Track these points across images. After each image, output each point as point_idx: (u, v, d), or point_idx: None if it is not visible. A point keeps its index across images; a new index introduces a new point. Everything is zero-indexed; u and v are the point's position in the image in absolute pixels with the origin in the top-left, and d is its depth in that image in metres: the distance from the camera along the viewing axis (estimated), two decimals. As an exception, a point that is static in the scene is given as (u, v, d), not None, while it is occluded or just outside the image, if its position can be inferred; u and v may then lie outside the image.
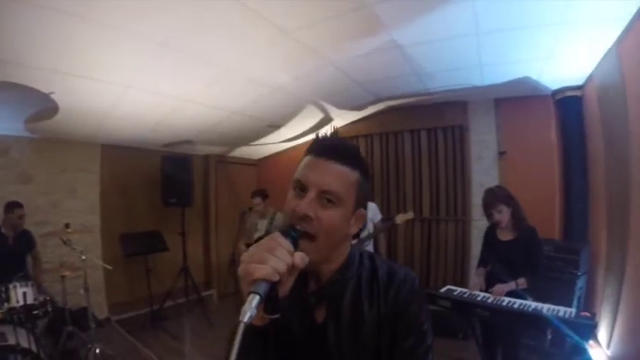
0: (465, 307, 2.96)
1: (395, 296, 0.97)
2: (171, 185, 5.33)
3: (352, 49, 3.54)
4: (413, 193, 5.73)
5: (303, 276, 0.88)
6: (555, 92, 4.46)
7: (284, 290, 0.76)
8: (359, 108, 5.52)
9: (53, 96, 3.26)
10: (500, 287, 2.86)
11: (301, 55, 3.50)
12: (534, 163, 4.77)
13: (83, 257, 3.61)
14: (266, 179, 7.27)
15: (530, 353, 3.23)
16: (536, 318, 2.64)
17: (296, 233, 0.84)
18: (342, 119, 6.00)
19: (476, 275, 3.30)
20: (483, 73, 4.14)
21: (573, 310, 2.67)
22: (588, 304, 3.83)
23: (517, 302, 2.78)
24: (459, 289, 3.19)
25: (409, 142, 5.81)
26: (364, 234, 4.01)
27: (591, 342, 3.18)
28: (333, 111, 5.45)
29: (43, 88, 3.15)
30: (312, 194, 0.89)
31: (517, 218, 3.01)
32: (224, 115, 4.74)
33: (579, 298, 3.74)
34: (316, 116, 5.56)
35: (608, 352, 3.29)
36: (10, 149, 4.35)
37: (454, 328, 4.30)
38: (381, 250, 4.69)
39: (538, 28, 3.07)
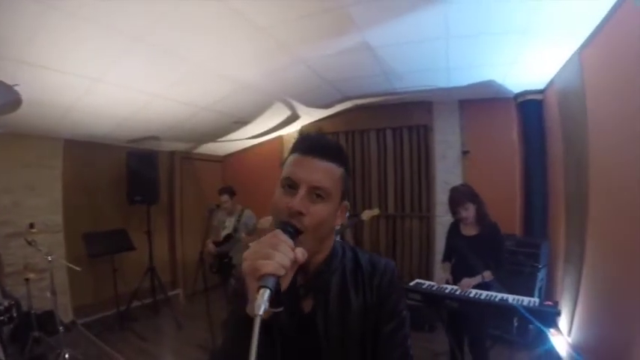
0: (435, 299, 3.10)
1: (378, 285, 1.04)
2: (137, 182, 5.17)
3: (324, 49, 3.56)
4: (378, 190, 5.87)
5: None
6: (517, 95, 4.68)
7: (285, 284, 0.79)
8: (326, 106, 5.56)
9: (18, 88, 3.07)
10: (467, 281, 3.01)
11: (273, 53, 3.49)
12: (496, 163, 4.99)
13: (49, 258, 3.43)
14: (231, 176, 7.20)
15: (495, 342, 3.39)
16: (503, 307, 2.81)
17: (293, 229, 0.88)
18: (308, 116, 6.03)
19: (442, 270, 3.46)
20: (450, 75, 4.28)
21: (537, 300, 2.86)
22: (549, 294, 4.08)
23: (484, 293, 2.95)
24: (427, 283, 3.34)
25: (375, 141, 5.93)
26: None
27: (552, 330, 3.38)
28: (301, 108, 5.46)
29: (8, 79, 2.96)
30: (302, 191, 0.92)
31: (481, 215, 3.17)
32: (192, 111, 4.64)
33: (540, 289, 3.98)
34: (283, 113, 5.56)
35: (569, 339, 3.51)
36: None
37: (421, 321, 4.47)
38: (348, 246, 4.76)
39: (505, 35, 3.20)
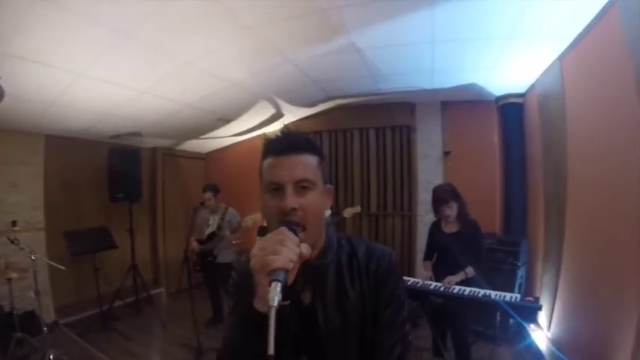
0: (419, 295, 3.17)
1: (375, 271, 1.07)
2: (119, 179, 5.09)
3: (312, 49, 3.59)
4: (361, 189, 5.94)
5: None
6: (499, 98, 4.82)
7: (290, 279, 0.82)
8: (310, 105, 5.59)
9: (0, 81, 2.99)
10: (450, 278, 3.10)
11: (261, 52, 3.49)
12: (477, 163, 5.12)
13: (33, 257, 3.34)
14: (214, 173, 7.16)
15: (477, 338, 3.50)
16: (485, 303, 2.91)
17: (294, 227, 0.92)
18: (292, 115, 6.04)
19: (424, 268, 3.53)
20: (433, 77, 4.36)
21: (518, 296, 2.96)
22: (528, 291, 4.22)
23: (467, 289, 3.04)
24: (412, 279, 3.42)
25: (358, 140, 5.99)
26: None
27: (532, 325, 3.52)
28: (285, 107, 5.47)
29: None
30: (289, 188, 0.97)
31: (462, 213, 3.28)
32: (176, 108, 4.58)
33: (520, 285, 4.12)
34: (268, 112, 5.55)
35: (549, 334, 3.66)
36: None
37: (404, 317, 4.53)
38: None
39: (489, 40, 3.30)
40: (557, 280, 3.53)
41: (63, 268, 3.58)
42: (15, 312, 3.43)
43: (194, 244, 4.55)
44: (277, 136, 1.07)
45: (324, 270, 1.07)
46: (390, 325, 1.05)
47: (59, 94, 3.63)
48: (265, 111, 5.49)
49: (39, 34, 2.66)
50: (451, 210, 3.23)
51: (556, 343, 3.47)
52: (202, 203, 4.66)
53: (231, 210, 4.75)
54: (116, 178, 5.08)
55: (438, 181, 5.36)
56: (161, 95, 4.13)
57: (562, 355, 3.22)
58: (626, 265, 2.45)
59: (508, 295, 2.92)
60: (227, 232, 4.50)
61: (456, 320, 3.17)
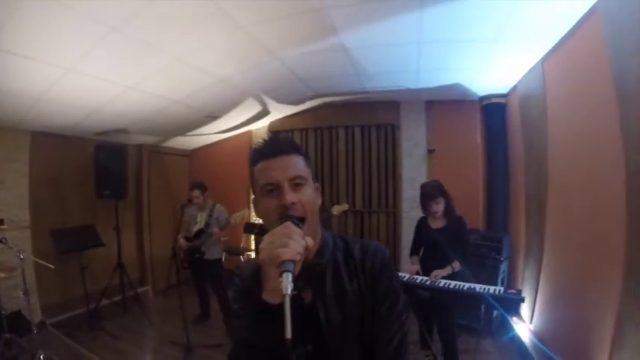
0: (407, 289, 3.24)
1: (370, 267, 1.12)
2: (105, 176, 5.02)
3: (300, 48, 3.62)
4: (346, 186, 6.02)
5: None
6: (482, 98, 4.96)
7: (296, 271, 0.86)
8: (296, 102, 5.62)
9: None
10: (437, 272, 3.19)
11: (250, 49, 3.51)
12: (461, 161, 5.26)
13: (21, 256, 3.29)
14: (198, 170, 7.13)
15: (462, 331, 3.62)
16: (470, 295, 3.02)
17: (297, 219, 0.98)
18: (278, 112, 6.08)
19: (411, 263, 3.62)
20: (419, 77, 4.44)
21: (502, 288, 3.08)
22: (511, 285, 4.38)
23: (452, 283, 3.14)
24: (400, 274, 3.47)
25: (343, 138, 6.07)
26: None
27: (515, 318, 3.65)
28: (272, 104, 5.50)
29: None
30: (285, 186, 1.03)
31: (448, 209, 3.38)
32: (164, 104, 4.56)
33: (503, 280, 4.27)
34: (254, 109, 5.57)
35: (531, 327, 3.80)
36: None
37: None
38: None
39: (475, 43, 3.40)
40: (539, 275, 3.68)
41: (52, 266, 3.52)
42: (3, 312, 3.36)
43: (182, 241, 4.54)
44: (264, 141, 1.14)
45: (323, 268, 1.11)
46: (387, 318, 1.09)
47: (46, 89, 3.57)
48: (252, 108, 5.51)
49: (28, 28, 2.62)
50: (438, 206, 3.32)
51: (538, 335, 3.61)
52: (190, 200, 4.65)
53: (218, 207, 4.75)
54: (102, 175, 5.01)
55: (422, 178, 5.47)
56: (149, 91, 4.10)
57: (543, 347, 3.34)
58: (605, 259, 2.58)
59: (492, 288, 3.04)
60: (215, 229, 4.49)
61: (442, 313, 3.27)
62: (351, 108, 5.80)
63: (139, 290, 5.54)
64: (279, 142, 1.11)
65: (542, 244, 3.65)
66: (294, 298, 0.79)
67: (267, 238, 0.90)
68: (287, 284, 0.79)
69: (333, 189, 6.08)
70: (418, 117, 5.58)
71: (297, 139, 6.35)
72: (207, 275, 4.67)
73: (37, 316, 4.40)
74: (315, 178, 1.16)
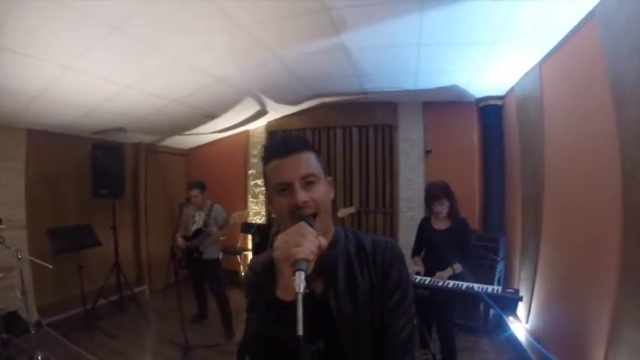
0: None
1: (382, 261, 1.15)
2: (103, 175, 4.99)
3: (301, 48, 3.63)
4: (344, 186, 6.04)
5: None
6: (479, 100, 5.00)
7: (309, 270, 0.89)
8: (295, 103, 5.63)
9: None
10: (439, 274, 3.21)
11: (250, 49, 3.51)
12: (457, 162, 5.30)
13: (19, 256, 3.27)
14: (195, 170, 7.11)
15: (459, 330, 3.65)
16: (469, 295, 3.05)
17: (310, 220, 1.00)
18: (276, 112, 6.09)
19: (414, 263, 3.63)
20: (417, 78, 4.47)
21: (499, 288, 3.11)
22: (507, 285, 4.41)
23: (451, 282, 3.17)
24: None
25: (341, 138, 6.09)
26: None
27: (511, 318, 3.69)
28: (270, 104, 5.50)
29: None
30: (297, 185, 1.05)
31: (453, 210, 3.39)
32: (162, 103, 4.55)
33: (499, 279, 4.32)
34: (252, 108, 5.57)
35: (527, 326, 3.85)
36: None
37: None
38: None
39: (473, 45, 3.44)
40: (535, 275, 3.73)
41: (50, 266, 3.49)
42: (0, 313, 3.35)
43: (180, 241, 4.54)
44: (275, 141, 1.18)
45: (335, 260, 1.13)
46: (396, 310, 1.11)
47: (44, 87, 3.56)
48: (250, 108, 5.51)
49: (27, 26, 2.61)
50: (442, 207, 3.34)
51: (534, 334, 3.66)
52: (188, 199, 4.64)
53: (216, 206, 4.74)
54: (100, 174, 4.98)
55: (419, 179, 5.53)
56: (148, 90, 4.09)
57: (539, 346, 3.39)
58: (601, 259, 2.62)
59: (490, 288, 3.07)
60: (214, 229, 4.49)
61: (441, 312, 3.30)
62: (349, 108, 5.83)
63: (136, 290, 5.53)
64: (289, 141, 1.13)
65: (538, 244, 3.69)
66: (306, 295, 0.81)
67: (281, 238, 0.93)
68: (300, 282, 0.82)
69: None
70: (415, 118, 5.62)
71: (295, 139, 6.38)
72: (205, 275, 4.68)
73: (33, 317, 4.32)
74: (328, 172, 1.18)
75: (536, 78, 3.66)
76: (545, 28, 3.00)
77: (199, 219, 4.69)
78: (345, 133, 6.05)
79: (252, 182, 6.75)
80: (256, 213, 6.67)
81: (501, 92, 4.74)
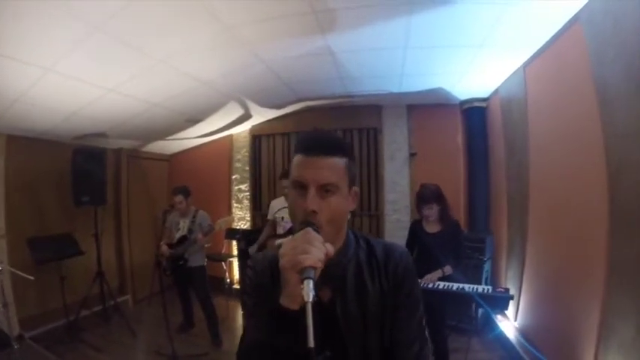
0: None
1: (394, 271, 1.10)
2: (84, 182, 4.82)
3: (287, 51, 3.61)
4: (329, 190, 5.98)
5: None
6: (463, 102, 5.07)
7: (316, 277, 0.85)
8: (279, 106, 5.61)
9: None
10: (427, 277, 3.22)
11: (236, 52, 3.47)
12: (442, 164, 5.37)
13: (0, 267, 3.14)
14: (178, 175, 6.94)
15: (452, 331, 3.66)
16: (460, 295, 3.08)
17: (316, 227, 0.95)
18: (260, 116, 6.05)
19: None
20: (402, 81, 4.50)
21: (490, 287, 3.15)
22: (494, 284, 4.47)
23: (442, 284, 3.20)
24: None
25: (326, 142, 6.03)
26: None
27: (499, 316, 3.73)
28: (254, 108, 5.46)
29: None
30: (312, 190, 0.98)
31: (443, 214, 3.41)
32: (144, 107, 4.43)
33: (487, 279, 4.37)
34: (236, 112, 5.52)
35: (516, 324, 3.91)
36: None
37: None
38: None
39: (460, 48, 3.48)
40: (522, 273, 3.79)
41: (31, 278, 3.36)
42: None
43: (164, 248, 4.43)
44: (309, 134, 1.10)
45: (344, 267, 1.09)
46: (407, 323, 1.08)
47: (24, 90, 3.41)
48: (234, 112, 5.45)
49: (6, 26, 2.49)
50: (431, 211, 3.35)
51: (523, 331, 3.72)
52: (172, 206, 4.55)
53: (201, 213, 4.65)
54: (81, 180, 4.81)
55: (405, 181, 5.57)
56: (130, 94, 3.98)
57: (527, 345, 3.43)
58: (588, 256, 2.69)
59: (480, 287, 3.12)
60: (199, 235, 4.40)
61: (432, 314, 3.31)
62: (334, 112, 5.83)
63: (119, 299, 5.37)
64: (322, 140, 1.05)
65: (524, 243, 3.76)
66: (313, 303, 0.79)
67: (288, 244, 0.89)
68: (309, 291, 0.79)
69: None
70: (400, 121, 5.67)
71: (279, 143, 6.38)
72: (190, 282, 4.57)
73: (15, 330, 4.12)
74: (353, 182, 1.09)
75: (520, 80, 3.74)
76: (530, 31, 3.07)
77: (184, 226, 4.59)
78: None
79: (236, 187, 6.67)
80: (240, 218, 6.59)
81: (485, 94, 4.83)
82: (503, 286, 3.77)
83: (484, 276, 4.27)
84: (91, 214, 5.00)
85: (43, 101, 3.73)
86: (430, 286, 3.17)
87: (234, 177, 6.70)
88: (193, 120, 5.37)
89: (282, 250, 0.89)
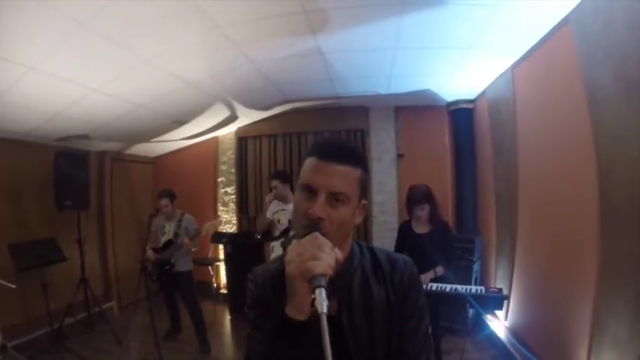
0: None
1: (400, 282, 1.07)
2: (66, 186, 4.67)
3: (276, 51, 3.58)
4: (317, 192, 5.96)
5: None
6: (450, 104, 5.12)
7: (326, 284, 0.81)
8: (266, 108, 5.58)
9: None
10: (421, 277, 3.21)
11: (224, 51, 3.42)
12: (430, 165, 5.40)
13: (-18, 275, 2.98)
14: (163, 178, 6.81)
15: (445, 332, 3.67)
16: (454, 296, 3.09)
17: (322, 233, 0.90)
18: (247, 118, 6.00)
19: None
20: (391, 82, 4.51)
21: (482, 288, 3.17)
22: (484, 284, 4.50)
23: (434, 285, 3.21)
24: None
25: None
26: (292, 234, 4.07)
27: (489, 316, 3.75)
28: (241, 109, 5.40)
29: None
30: (322, 197, 0.94)
31: (434, 214, 3.41)
32: (129, 108, 4.32)
33: (476, 279, 4.41)
34: (222, 114, 5.46)
35: (506, 323, 3.94)
36: None
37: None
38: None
39: (448, 50, 3.51)
40: (512, 273, 3.83)
41: (13, 286, 3.23)
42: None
43: (150, 253, 4.33)
44: (328, 139, 1.08)
45: (351, 277, 1.05)
46: (414, 334, 1.05)
47: (4, 90, 3.28)
48: (220, 113, 5.38)
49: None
50: (423, 211, 3.35)
51: (514, 330, 3.76)
52: (157, 210, 4.45)
53: (187, 216, 4.56)
54: (63, 184, 4.65)
55: (392, 183, 5.59)
56: (114, 94, 3.86)
57: (517, 343, 3.47)
58: (579, 255, 2.72)
59: (474, 288, 3.14)
60: (185, 240, 4.32)
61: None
62: (321, 113, 5.83)
63: (104, 306, 5.22)
64: (340, 147, 1.02)
65: (514, 242, 3.80)
66: (316, 312, 0.74)
67: (294, 250, 0.84)
68: (322, 301, 0.74)
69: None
70: (387, 122, 5.70)
71: (265, 145, 6.32)
72: (177, 288, 4.48)
73: None
74: (364, 195, 1.05)
75: (508, 81, 3.78)
76: (519, 33, 3.11)
77: (169, 230, 4.50)
78: (317, 139, 6.00)
79: (222, 190, 6.59)
80: (227, 222, 6.50)
81: (472, 96, 4.89)
82: (493, 286, 3.80)
83: (474, 276, 4.30)
84: (74, 219, 4.84)
85: (24, 101, 3.59)
86: (423, 287, 3.17)
87: (219, 180, 6.63)
88: (179, 121, 5.28)
89: (288, 257, 0.84)
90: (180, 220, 4.50)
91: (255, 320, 1.04)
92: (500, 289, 3.10)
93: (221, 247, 6.17)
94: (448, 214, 5.13)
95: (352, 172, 0.99)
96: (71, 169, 4.67)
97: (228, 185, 6.55)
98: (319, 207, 0.93)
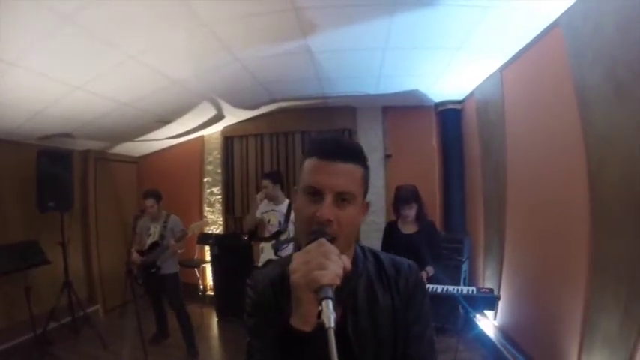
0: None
1: (405, 286, 1.05)
2: (49, 186, 4.52)
3: (264, 50, 3.53)
4: (303, 192, 5.93)
5: None
6: (437, 104, 5.14)
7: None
8: (252, 107, 5.53)
9: None
10: None
11: (211, 49, 3.36)
12: (417, 166, 5.42)
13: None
14: (148, 178, 6.66)
15: (437, 332, 3.67)
16: (445, 297, 3.10)
17: (330, 238, 0.85)
18: (233, 117, 5.92)
19: None
20: (379, 82, 4.51)
21: (474, 288, 3.19)
22: (472, 284, 4.53)
23: (426, 286, 3.17)
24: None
25: (300, 143, 6.02)
26: (284, 237, 4.04)
27: (478, 315, 3.77)
28: (227, 108, 5.34)
29: None
30: (329, 198, 0.90)
31: (420, 214, 3.43)
32: (113, 107, 4.22)
33: (465, 279, 4.45)
34: (209, 113, 5.38)
35: (495, 323, 3.98)
36: None
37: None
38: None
39: (438, 50, 3.52)
40: (500, 272, 3.86)
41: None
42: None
43: (135, 256, 4.23)
44: (327, 138, 1.01)
45: (355, 282, 1.02)
46: (419, 339, 1.03)
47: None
48: (206, 112, 5.31)
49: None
50: (411, 211, 3.36)
51: (503, 329, 3.80)
52: (143, 211, 4.36)
53: (173, 217, 4.47)
54: (46, 184, 4.51)
55: (380, 183, 5.58)
56: (98, 92, 3.75)
57: (506, 342, 3.50)
58: (568, 254, 2.76)
59: (465, 289, 3.15)
60: (171, 241, 4.23)
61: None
62: (308, 113, 5.79)
63: (89, 310, 5.09)
64: (343, 145, 0.97)
65: (502, 242, 3.84)
66: (322, 323, 0.70)
67: (299, 258, 0.79)
68: (329, 314, 0.69)
69: (290, 196, 6.00)
70: (375, 122, 5.70)
71: (252, 145, 6.26)
72: (164, 290, 4.38)
73: None
74: (366, 194, 1.02)
75: (497, 82, 3.82)
76: (508, 35, 3.13)
77: (155, 231, 4.40)
78: (304, 139, 5.98)
79: (208, 190, 6.51)
80: (213, 223, 6.41)
81: (460, 97, 4.92)
82: (482, 286, 3.83)
83: (462, 276, 4.34)
84: (57, 221, 4.69)
85: (5, 99, 3.47)
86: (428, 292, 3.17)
87: (205, 180, 6.54)
88: (164, 120, 5.18)
89: (293, 265, 0.79)
90: (166, 222, 4.40)
91: (255, 328, 1.00)
92: (491, 290, 3.13)
93: (207, 248, 6.08)
94: (436, 214, 5.17)
95: (356, 170, 0.96)
96: (54, 169, 4.53)
97: (214, 185, 6.46)
98: (327, 209, 0.89)
